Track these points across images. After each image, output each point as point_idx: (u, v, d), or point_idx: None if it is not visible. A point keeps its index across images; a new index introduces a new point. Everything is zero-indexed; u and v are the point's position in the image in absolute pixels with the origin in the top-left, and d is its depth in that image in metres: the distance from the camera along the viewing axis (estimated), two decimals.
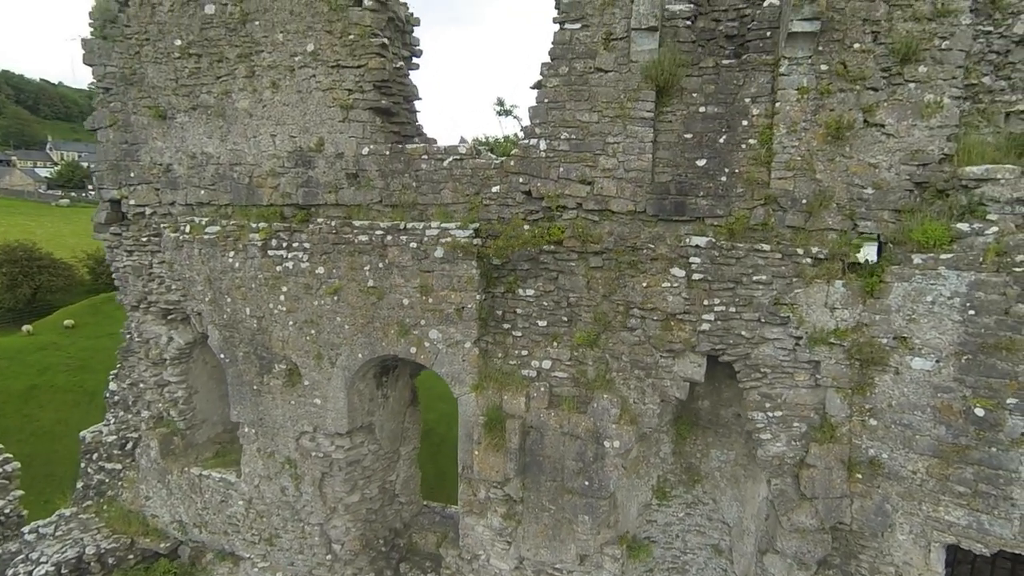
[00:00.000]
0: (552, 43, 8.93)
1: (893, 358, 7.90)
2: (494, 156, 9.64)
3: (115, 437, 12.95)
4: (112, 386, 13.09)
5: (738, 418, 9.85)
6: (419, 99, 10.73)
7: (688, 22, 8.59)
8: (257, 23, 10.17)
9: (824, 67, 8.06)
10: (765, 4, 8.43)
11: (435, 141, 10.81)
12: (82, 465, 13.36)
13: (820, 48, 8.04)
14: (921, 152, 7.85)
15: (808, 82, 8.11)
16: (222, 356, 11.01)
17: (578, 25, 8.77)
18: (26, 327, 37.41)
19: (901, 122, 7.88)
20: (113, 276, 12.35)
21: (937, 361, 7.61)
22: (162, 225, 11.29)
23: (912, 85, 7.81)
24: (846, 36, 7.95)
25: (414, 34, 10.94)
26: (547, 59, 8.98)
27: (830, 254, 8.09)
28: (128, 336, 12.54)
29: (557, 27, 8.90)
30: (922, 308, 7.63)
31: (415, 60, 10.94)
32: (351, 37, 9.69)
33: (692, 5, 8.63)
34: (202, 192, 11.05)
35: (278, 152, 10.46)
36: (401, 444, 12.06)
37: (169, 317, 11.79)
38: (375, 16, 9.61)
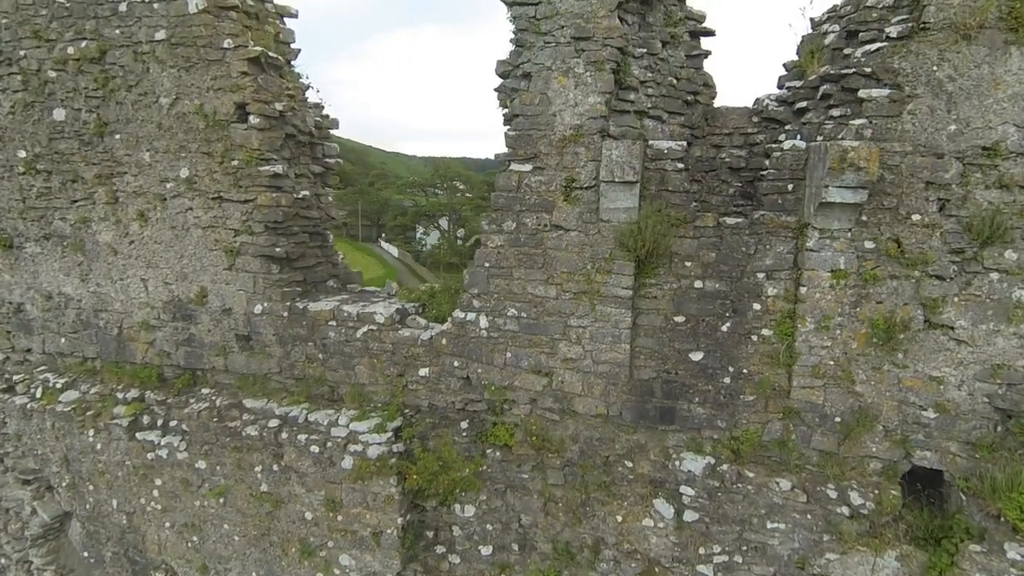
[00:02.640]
0: (495, 189, 6.58)
1: None
2: (422, 324, 7.28)
3: None
4: None
5: None
6: (331, 229, 8.38)
7: (680, 164, 6.24)
8: (118, 137, 7.76)
9: (870, 244, 5.74)
10: (786, 146, 6.09)
11: (355, 290, 8.48)
12: None
13: (864, 218, 5.72)
14: (1007, 369, 5.56)
15: (847, 263, 5.79)
16: (86, 555, 8.68)
17: (529, 167, 6.41)
18: None
19: (978, 325, 5.59)
20: None
21: None
22: (14, 377, 8.90)
23: (995, 276, 5.51)
24: (901, 203, 5.63)
25: (331, 141, 8.56)
26: (489, 210, 6.64)
27: (879, 509, 5.81)
28: None
29: (503, 168, 6.56)
30: None
31: (331, 173, 8.58)
32: (235, 163, 7.31)
33: (685, 144, 6.28)
34: (63, 341, 8.67)
35: (151, 301, 8.08)
36: None
37: (31, 487, 9.44)
38: (265, 136, 7.22)
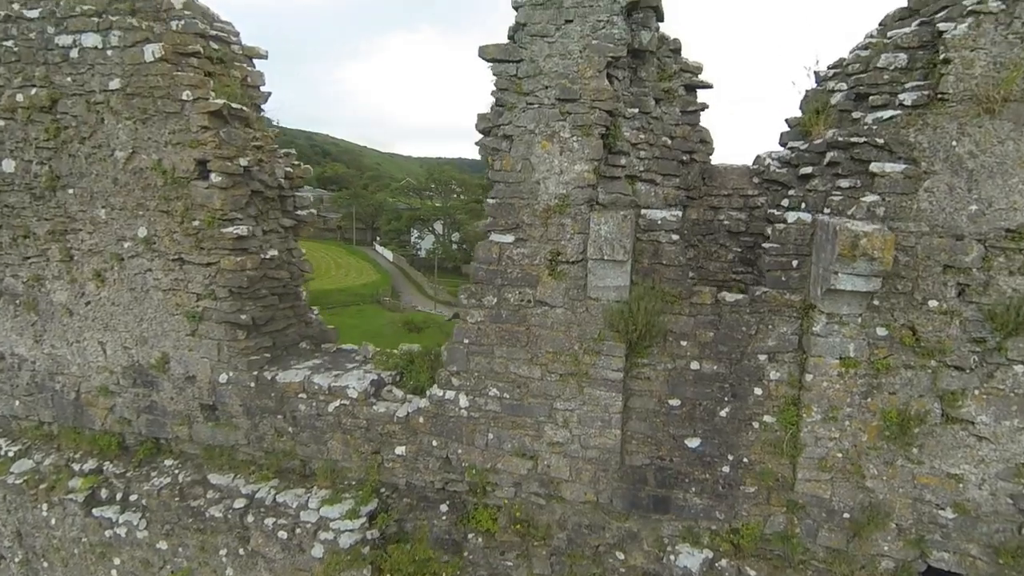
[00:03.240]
0: (475, 260, 6.06)
1: None
2: (399, 397, 6.77)
3: None
4: None
5: None
6: (304, 285, 7.85)
7: (674, 236, 5.74)
8: (72, 191, 7.21)
9: (882, 331, 5.25)
10: (790, 218, 5.60)
11: (330, 350, 7.96)
12: None
13: (876, 303, 5.23)
14: None
15: (857, 351, 5.30)
16: None
17: (511, 238, 5.90)
18: None
19: (1001, 421, 5.11)
20: None
21: None
22: None
23: (1020, 369, 5.03)
24: (917, 288, 5.14)
25: (303, 191, 8.03)
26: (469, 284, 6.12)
27: None
28: None
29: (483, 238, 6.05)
30: None
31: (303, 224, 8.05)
32: (196, 223, 6.77)
33: (679, 214, 5.78)
34: (17, 403, 8.12)
35: (110, 365, 7.54)
36: None
37: None
38: (228, 195, 6.68)
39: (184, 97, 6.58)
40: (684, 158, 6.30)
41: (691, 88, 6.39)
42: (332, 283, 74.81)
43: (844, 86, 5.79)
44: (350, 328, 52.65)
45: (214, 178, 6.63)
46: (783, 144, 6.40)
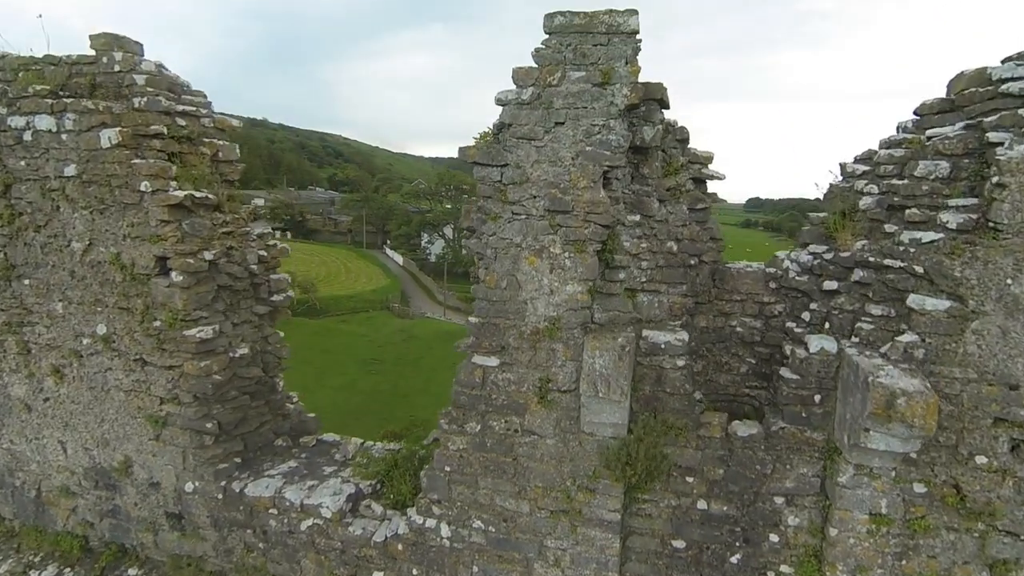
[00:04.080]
0: (456, 382, 5.43)
1: None
2: (378, 513, 6.16)
3: None
4: None
5: None
6: (281, 370, 7.27)
7: (680, 361, 5.07)
8: (27, 282, 6.69)
9: (920, 487, 4.55)
10: (812, 346, 4.91)
11: (309, 444, 7.38)
12: None
13: (913, 455, 4.53)
14: None
15: (890, 507, 4.61)
16: None
17: (495, 361, 5.26)
18: None
19: None
20: None
21: None
22: None
23: None
24: (962, 441, 4.44)
25: (278, 274, 7.44)
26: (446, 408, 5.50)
27: None
28: None
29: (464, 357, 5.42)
30: None
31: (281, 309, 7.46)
32: (157, 324, 6.21)
33: (686, 338, 5.11)
34: None
35: (71, 465, 7.02)
36: None
37: None
38: (192, 294, 6.11)
39: (143, 188, 6.01)
40: (692, 261, 5.63)
41: (700, 181, 5.72)
42: (342, 288, 74.66)
43: (875, 189, 5.08)
44: (359, 337, 52.48)
45: (175, 276, 6.06)
46: (803, 244, 5.70)
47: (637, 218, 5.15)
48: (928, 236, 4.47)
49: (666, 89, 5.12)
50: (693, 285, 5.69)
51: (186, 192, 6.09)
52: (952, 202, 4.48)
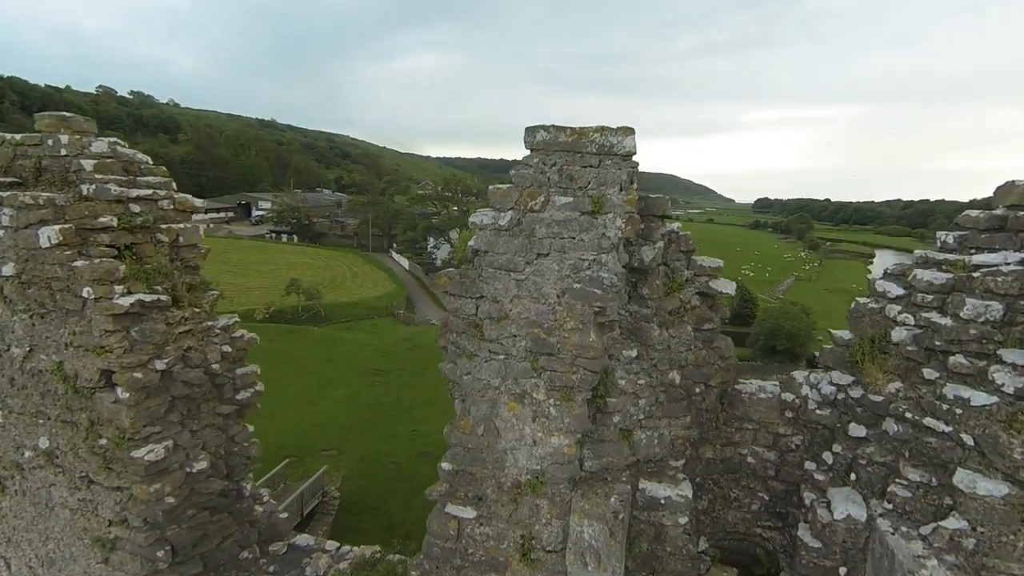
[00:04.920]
0: (429, 533, 4.77)
1: None
2: None
3: None
4: None
5: None
6: (251, 468, 6.64)
7: (682, 519, 4.39)
8: None
9: None
10: (837, 512, 4.21)
11: (280, 552, 6.76)
12: None
13: None
14: None
15: None
16: None
17: (472, 513, 4.57)
18: None
19: None
20: None
21: None
22: None
23: None
24: None
25: (246, 367, 6.81)
26: None
27: None
28: None
29: None
30: None
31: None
32: (103, 442, 5.60)
33: (689, 495, 4.42)
34: None
35: None
36: None
37: None
38: (140, 411, 5.49)
39: (85, 294, 5.39)
40: (698, 389, 4.94)
41: (707, 295, 5.03)
42: (347, 295, 74.31)
43: (910, 320, 4.37)
44: (363, 346, 51.99)
45: (121, 393, 5.44)
46: (824, 366, 5.00)
47: (634, 353, 4.46)
48: (979, 398, 3.76)
49: (668, 203, 4.44)
50: (699, 414, 5.01)
51: (135, 298, 5.47)
52: (1008, 355, 3.77)
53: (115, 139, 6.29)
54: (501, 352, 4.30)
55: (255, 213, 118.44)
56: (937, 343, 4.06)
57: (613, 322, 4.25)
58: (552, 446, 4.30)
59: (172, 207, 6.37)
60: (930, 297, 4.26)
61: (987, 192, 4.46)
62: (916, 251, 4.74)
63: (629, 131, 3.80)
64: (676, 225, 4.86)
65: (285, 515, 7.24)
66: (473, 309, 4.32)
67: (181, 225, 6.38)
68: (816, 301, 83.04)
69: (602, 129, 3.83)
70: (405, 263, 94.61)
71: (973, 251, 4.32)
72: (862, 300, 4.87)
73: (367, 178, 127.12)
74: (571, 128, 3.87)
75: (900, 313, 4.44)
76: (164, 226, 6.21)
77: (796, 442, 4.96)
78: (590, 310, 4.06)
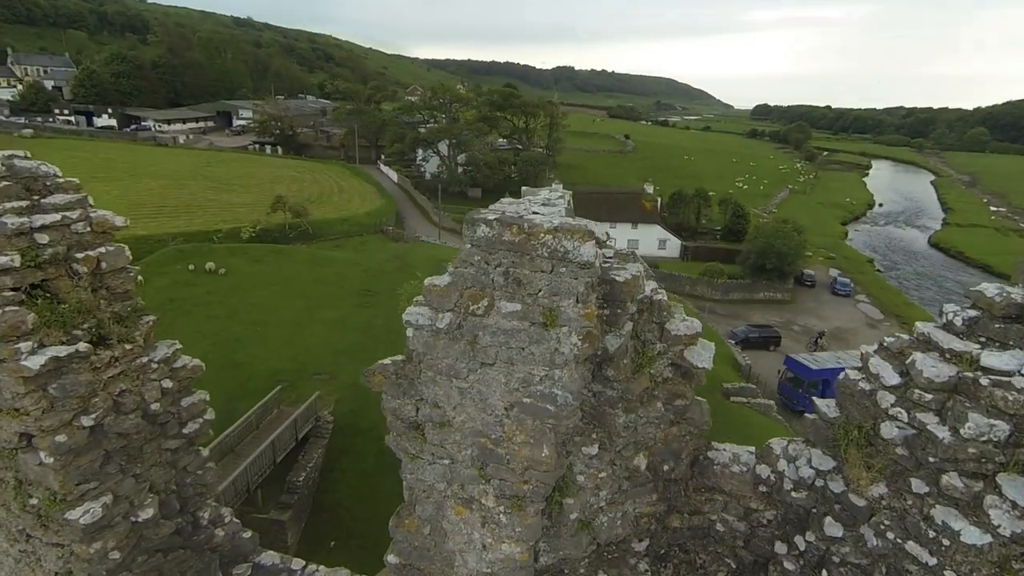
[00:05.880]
0: None
1: None
2: None
3: None
4: None
5: None
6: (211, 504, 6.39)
7: None
8: None
9: None
10: None
11: None
12: None
13: None
14: None
15: None
16: None
17: None
18: None
19: None
20: None
21: None
22: None
23: None
24: None
25: (192, 396, 6.36)
26: None
27: None
28: None
29: None
30: None
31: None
32: (34, 501, 5.26)
33: None
34: None
35: None
36: None
37: None
38: (70, 472, 5.09)
39: None
40: (667, 466, 4.56)
41: (680, 367, 4.52)
42: (335, 211, 72.80)
43: (903, 416, 3.92)
44: (352, 265, 51.52)
45: (44, 457, 5.03)
46: (806, 441, 4.59)
47: (594, 451, 4.02)
48: (971, 535, 3.39)
49: (641, 280, 3.83)
50: (667, 487, 4.66)
51: (47, 355, 4.92)
52: (1008, 486, 3.37)
53: (11, 152, 5.47)
54: (446, 457, 3.85)
55: (235, 123, 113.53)
56: (931, 459, 3.63)
57: (571, 431, 3.78)
58: (503, 552, 3.96)
59: (89, 229, 5.65)
60: (928, 397, 3.78)
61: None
62: (917, 326, 4.20)
63: (587, 236, 3.13)
64: (651, 287, 4.27)
65: (248, 534, 7.07)
66: (413, 412, 3.82)
67: (102, 249, 5.69)
68: (809, 216, 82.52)
69: (555, 231, 3.15)
70: (394, 176, 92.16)
71: (983, 340, 3.80)
72: (852, 375, 4.39)
73: (352, 84, 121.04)
74: (519, 226, 3.19)
75: (893, 406, 3.98)
76: (81, 255, 5.52)
77: (769, 517, 4.67)
78: (544, 427, 3.57)
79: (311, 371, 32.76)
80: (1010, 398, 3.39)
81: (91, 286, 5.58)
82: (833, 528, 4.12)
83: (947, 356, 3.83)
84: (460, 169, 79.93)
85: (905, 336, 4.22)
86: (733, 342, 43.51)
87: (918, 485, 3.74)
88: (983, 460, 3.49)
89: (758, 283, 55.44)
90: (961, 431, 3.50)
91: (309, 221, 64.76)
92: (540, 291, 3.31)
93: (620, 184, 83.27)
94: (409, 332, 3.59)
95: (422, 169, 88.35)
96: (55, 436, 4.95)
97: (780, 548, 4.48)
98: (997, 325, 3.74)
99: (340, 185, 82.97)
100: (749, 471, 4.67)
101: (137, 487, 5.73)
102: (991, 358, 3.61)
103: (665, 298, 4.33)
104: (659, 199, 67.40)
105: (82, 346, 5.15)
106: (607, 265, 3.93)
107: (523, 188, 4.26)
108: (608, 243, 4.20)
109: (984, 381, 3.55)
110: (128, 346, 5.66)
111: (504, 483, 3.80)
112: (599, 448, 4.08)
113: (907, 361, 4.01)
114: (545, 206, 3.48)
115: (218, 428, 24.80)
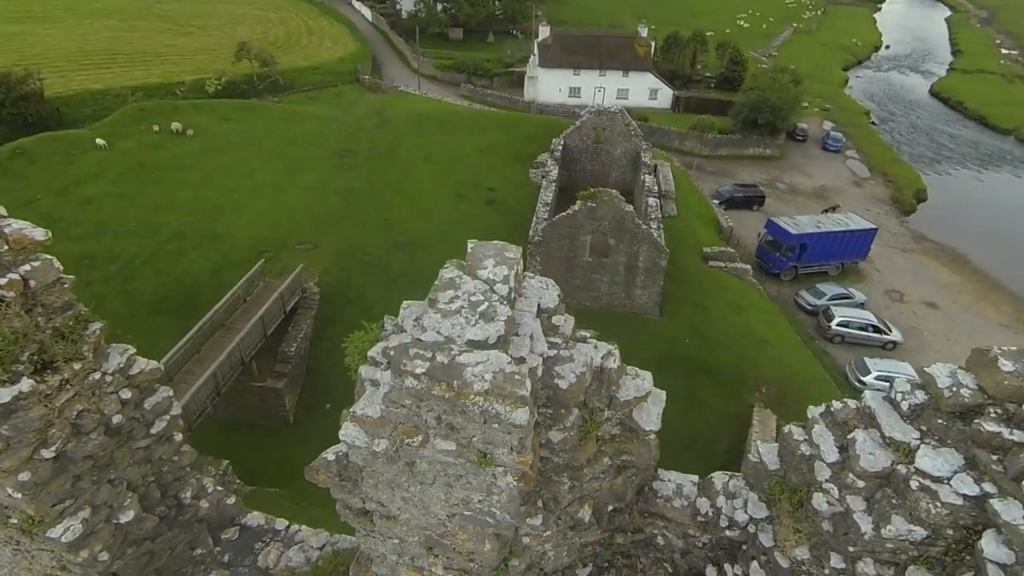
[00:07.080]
0: None
1: None
2: None
3: None
4: None
5: None
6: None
7: None
8: None
9: None
10: None
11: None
12: None
13: None
14: None
15: None
16: None
17: None
18: None
19: None
20: None
21: None
22: None
23: None
24: None
25: (155, 394, 6.38)
26: None
27: None
28: None
29: None
30: None
31: None
32: (14, 521, 5.52)
33: None
34: None
35: None
36: None
37: None
38: (42, 498, 5.28)
39: None
40: (611, 507, 4.81)
41: (627, 425, 4.56)
42: (305, 58, 67.35)
43: (835, 492, 4.08)
44: (328, 121, 48.95)
45: (12, 493, 5.18)
46: (745, 480, 4.81)
47: (539, 521, 4.20)
48: None
49: (585, 387, 3.73)
50: (611, 521, 4.96)
51: None
52: None
53: None
54: (395, 538, 4.03)
55: None
56: (851, 548, 3.85)
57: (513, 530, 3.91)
58: None
59: (7, 248, 5.26)
60: (861, 484, 3.90)
61: None
62: (865, 396, 4.20)
63: (521, 402, 2.97)
64: (602, 353, 4.17)
65: (232, 500, 7.56)
66: (360, 504, 3.91)
67: (27, 267, 5.37)
68: (810, 60, 77.58)
69: (486, 394, 2.98)
70: (368, 14, 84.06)
71: (924, 430, 3.84)
72: (795, 432, 4.47)
73: None
74: (447, 383, 3.01)
75: (828, 481, 4.12)
76: (3, 279, 5.20)
77: (704, 541, 5.04)
78: (484, 531, 3.69)
79: (293, 241, 32.49)
80: (932, 511, 3.51)
81: (23, 308, 5.33)
82: (758, 574, 4.48)
83: (887, 441, 3.89)
84: (440, 6, 72.71)
85: (852, 404, 4.24)
86: (717, 202, 43.27)
87: (836, 560, 4.01)
88: (897, 552, 3.71)
89: (748, 139, 53.73)
90: (882, 531, 3.67)
91: (278, 71, 60.11)
92: (474, 437, 3.23)
93: (613, 24, 76.61)
94: (344, 448, 3.55)
95: (398, 6, 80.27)
96: (17, 475, 5.04)
97: (711, 572, 4.90)
98: (940, 421, 3.75)
99: (309, 26, 75.84)
100: (690, 505, 4.95)
101: (114, 491, 5.98)
102: (925, 460, 3.67)
103: (616, 365, 4.25)
104: (653, 42, 62.56)
105: (25, 385, 5.04)
106: (552, 356, 3.78)
107: (468, 245, 3.92)
108: (557, 322, 3.99)
109: (914, 484, 3.65)
110: (77, 365, 5.56)
111: (451, 560, 4.02)
112: (545, 511, 4.26)
113: (848, 436, 4.08)
114: (481, 321, 3.24)
115: (208, 301, 25.33)
